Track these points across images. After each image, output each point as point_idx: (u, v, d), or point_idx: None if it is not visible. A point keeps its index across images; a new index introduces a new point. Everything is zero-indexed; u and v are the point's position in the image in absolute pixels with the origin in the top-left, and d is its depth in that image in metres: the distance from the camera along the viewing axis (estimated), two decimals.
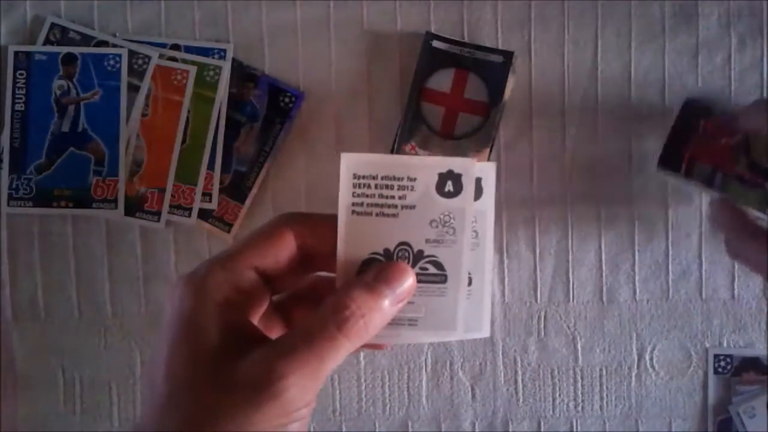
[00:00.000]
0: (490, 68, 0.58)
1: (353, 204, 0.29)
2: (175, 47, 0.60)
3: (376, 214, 0.29)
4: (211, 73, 0.60)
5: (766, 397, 0.60)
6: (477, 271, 0.31)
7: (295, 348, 0.26)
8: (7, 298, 0.61)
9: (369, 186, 0.29)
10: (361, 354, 0.62)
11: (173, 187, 0.60)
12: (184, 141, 0.60)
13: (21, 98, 0.60)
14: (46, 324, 0.61)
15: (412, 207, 0.29)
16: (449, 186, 0.29)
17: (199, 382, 0.26)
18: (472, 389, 0.62)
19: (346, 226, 0.29)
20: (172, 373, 0.26)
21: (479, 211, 0.30)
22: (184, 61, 0.60)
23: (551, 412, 0.62)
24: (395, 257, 0.30)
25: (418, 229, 0.30)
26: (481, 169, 0.30)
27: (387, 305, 0.28)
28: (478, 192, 0.30)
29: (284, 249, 0.30)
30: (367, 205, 0.29)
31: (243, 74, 0.60)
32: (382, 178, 0.29)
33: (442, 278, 0.30)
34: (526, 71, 0.60)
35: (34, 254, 0.61)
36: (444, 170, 0.29)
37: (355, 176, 0.29)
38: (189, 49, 0.60)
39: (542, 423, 0.62)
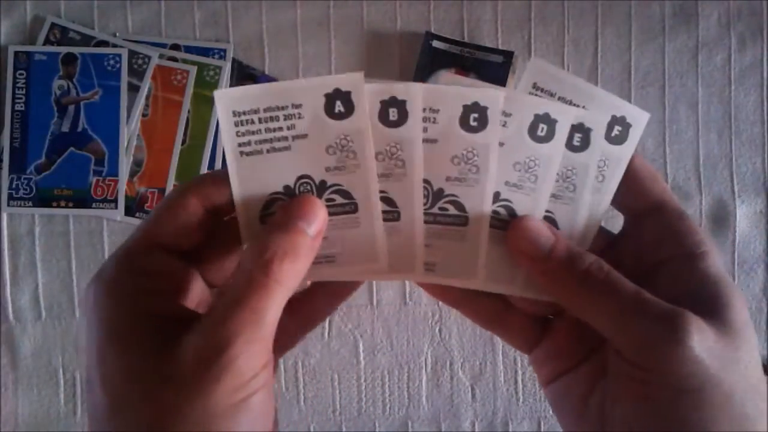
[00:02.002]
0: (490, 68, 0.58)
1: (239, 144, 0.27)
2: (175, 47, 0.60)
3: (267, 151, 0.27)
4: (211, 73, 0.60)
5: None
6: (405, 205, 0.28)
7: (229, 311, 0.23)
8: (8, 298, 0.61)
9: (252, 122, 0.27)
10: (361, 354, 0.62)
11: (173, 187, 0.60)
12: (184, 141, 0.60)
13: (21, 98, 0.60)
14: (46, 324, 0.61)
15: (304, 136, 0.27)
16: (339, 107, 0.27)
17: (141, 386, 0.23)
18: (472, 389, 0.62)
19: (237, 170, 0.27)
20: (109, 385, 0.24)
21: (405, 138, 0.27)
22: (184, 61, 0.60)
23: (551, 412, 0.62)
24: (297, 192, 0.27)
25: (315, 158, 0.27)
26: (406, 91, 0.27)
27: (308, 240, 0.25)
28: (403, 117, 0.27)
29: (189, 216, 0.26)
30: (255, 142, 0.27)
31: (243, 74, 0.60)
32: (264, 111, 0.27)
33: (352, 207, 0.28)
34: None
35: (35, 254, 0.61)
36: (330, 90, 0.26)
37: (234, 113, 0.27)
38: (189, 49, 0.60)
39: (542, 423, 0.62)
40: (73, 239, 0.61)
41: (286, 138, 0.27)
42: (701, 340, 0.23)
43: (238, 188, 0.27)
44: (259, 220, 0.28)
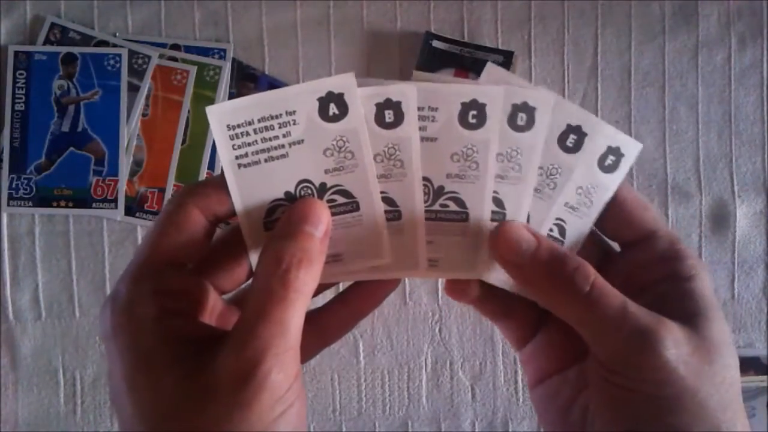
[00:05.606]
0: None
1: (237, 158, 0.27)
2: (175, 47, 0.60)
3: (265, 160, 0.27)
4: (211, 73, 0.60)
5: (766, 397, 0.60)
6: (406, 204, 0.28)
7: (255, 327, 0.23)
8: (8, 298, 0.61)
9: (248, 133, 0.27)
10: (361, 354, 0.62)
11: (173, 187, 0.60)
12: (184, 141, 0.60)
13: (21, 98, 0.60)
14: (46, 324, 0.61)
15: (300, 141, 0.27)
16: (333, 109, 0.27)
17: (178, 412, 0.23)
18: (472, 389, 0.62)
19: (236, 182, 0.27)
20: (144, 412, 0.23)
21: (402, 139, 0.27)
22: (184, 61, 0.60)
23: None
24: (298, 197, 0.27)
25: (313, 162, 0.27)
26: (401, 92, 0.27)
27: (318, 243, 0.25)
28: (399, 118, 0.27)
29: (195, 229, 0.26)
30: (252, 153, 0.27)
31: (243, 74, 0.60)
32: (259, 121, 0.27)
33: (354, 205, 0.28)
34: (526, 71, 0.60)
35: (35, 254, 0.61)
36: (323, 93, 0.27)
37: (229, 127, 0.26)
38: (189, 49, 0.60)
39: None
40: (73, 239, 0.61)
41: (282, 146, 0.27)
42: (676, 350, 0.24)
43: (239, 200, 0.27)
44: (263, 227, 0.28)
